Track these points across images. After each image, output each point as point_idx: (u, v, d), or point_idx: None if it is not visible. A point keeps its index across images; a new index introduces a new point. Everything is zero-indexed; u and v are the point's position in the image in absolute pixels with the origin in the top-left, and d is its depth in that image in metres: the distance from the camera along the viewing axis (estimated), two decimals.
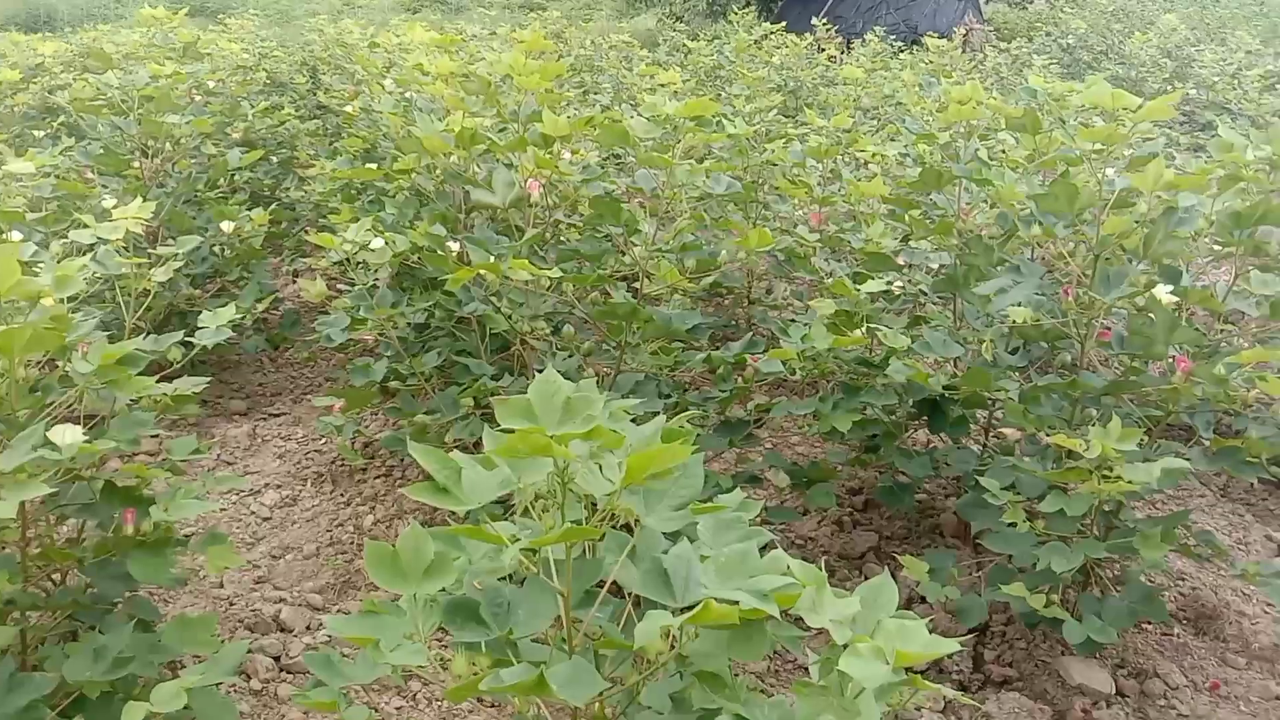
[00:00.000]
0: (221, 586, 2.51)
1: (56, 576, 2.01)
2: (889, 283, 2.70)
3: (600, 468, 1.21)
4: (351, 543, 2.72)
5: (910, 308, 2.75)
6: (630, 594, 1.25)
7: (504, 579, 1.29)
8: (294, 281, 4.67)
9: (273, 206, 3.66)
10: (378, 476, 3.06)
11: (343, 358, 3.82)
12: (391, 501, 2.90)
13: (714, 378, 2.65)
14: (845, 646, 1.06)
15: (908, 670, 1.12)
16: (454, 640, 1.23)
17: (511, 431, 1.11)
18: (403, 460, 3.11)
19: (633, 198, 2.95)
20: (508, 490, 1.19)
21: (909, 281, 2.81)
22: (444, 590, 1.21)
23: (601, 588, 1.26)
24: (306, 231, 4.22)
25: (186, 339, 2.12)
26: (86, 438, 1.57)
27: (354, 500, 2.94)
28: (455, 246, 2.65)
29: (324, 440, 3.26)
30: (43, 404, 1.78)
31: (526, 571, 1.25)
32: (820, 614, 1.10)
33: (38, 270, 1.79)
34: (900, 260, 2.79)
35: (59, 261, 1.93)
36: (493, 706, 2.15)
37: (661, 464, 1.11)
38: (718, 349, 2.59)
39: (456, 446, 2.82)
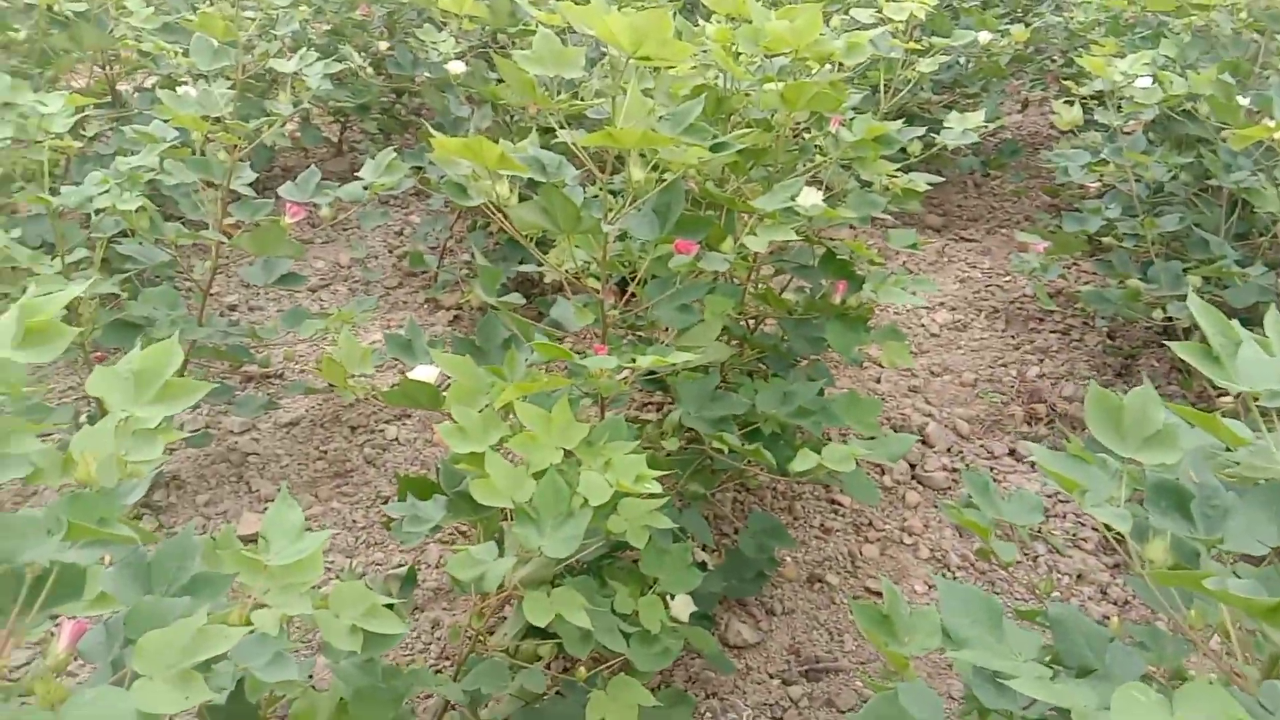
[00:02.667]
0: (879, 383, 2.61)
1: (751, 323, 2.24)
2: None
3: None
4: (1011, 386, 2.62)
5: None
6: None
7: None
8: (1020, 111, 4.47)
9: (1034, 26, 3.45)
10: (1054, 331, 2.88)
11: (1050, 201, 3.61)
12: (1064, 360, 2.72)
13: None
14: None
15: None
16: (1150, 523, 1.10)
17: None
18: (1084, 320, 2.88)
19: None
20: None
21: None
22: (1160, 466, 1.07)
23: None
24: (1052, 60, 3.96)
25: (930, 135, 2.11)
26: (826, 204, 1.66)
27: (1023, 346, 2.82)
28: (1244, 102, 2.26)
29: (1008, 277, 3.15)
30: (794, 163, 1.92)
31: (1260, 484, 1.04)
32: None
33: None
34: None
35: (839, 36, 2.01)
36: (1115, 604, 1.98)
37: None
38: None
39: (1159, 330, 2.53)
